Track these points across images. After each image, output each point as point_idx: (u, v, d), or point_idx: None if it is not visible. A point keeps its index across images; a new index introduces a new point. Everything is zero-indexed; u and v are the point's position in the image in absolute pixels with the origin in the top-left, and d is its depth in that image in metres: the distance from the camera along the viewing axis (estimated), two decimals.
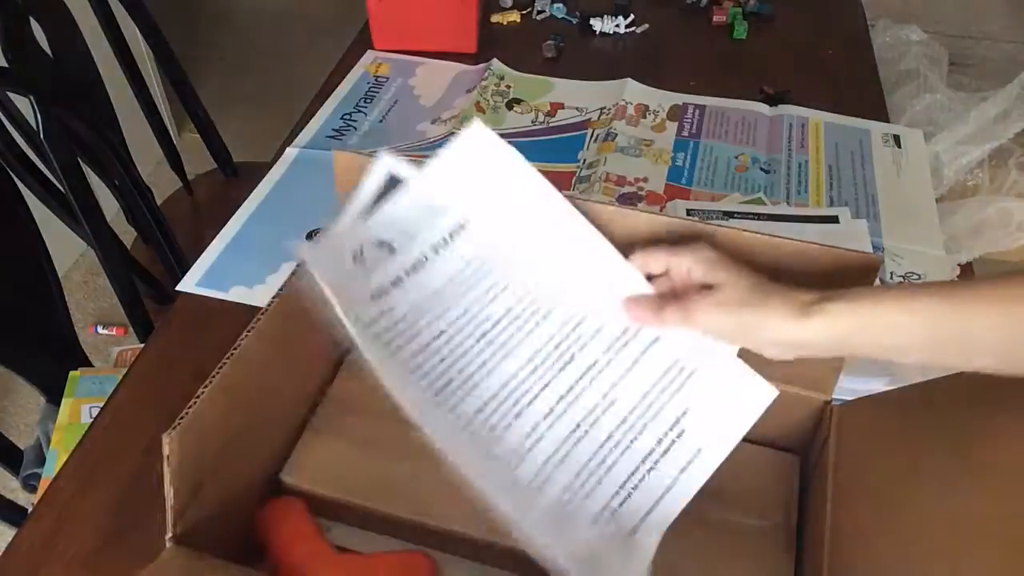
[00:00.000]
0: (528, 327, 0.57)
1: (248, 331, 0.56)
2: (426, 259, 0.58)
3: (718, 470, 0.57)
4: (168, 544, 0.52)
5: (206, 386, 0.52)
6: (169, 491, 0.50)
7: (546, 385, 0.56)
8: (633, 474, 0.54)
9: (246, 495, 0.63)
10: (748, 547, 0.62)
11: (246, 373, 0.57)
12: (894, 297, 0.49)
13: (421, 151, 1.08)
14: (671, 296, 0.57)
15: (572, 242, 0.59)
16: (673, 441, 0.55)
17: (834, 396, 0.66)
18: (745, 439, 0.69)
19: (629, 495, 0.54)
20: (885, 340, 0.49)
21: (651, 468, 0.54)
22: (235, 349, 0.55)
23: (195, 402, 0.51)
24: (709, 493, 0.58)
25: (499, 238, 0.59)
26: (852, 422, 0.63)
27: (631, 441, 0.55)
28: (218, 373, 0.53)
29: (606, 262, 0.58)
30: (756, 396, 0.57)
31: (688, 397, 0.57)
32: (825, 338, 0.50)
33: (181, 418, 0.50)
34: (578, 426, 0.55)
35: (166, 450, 0.49)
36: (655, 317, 0.56)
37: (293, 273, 0.61)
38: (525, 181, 0.59)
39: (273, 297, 0.59)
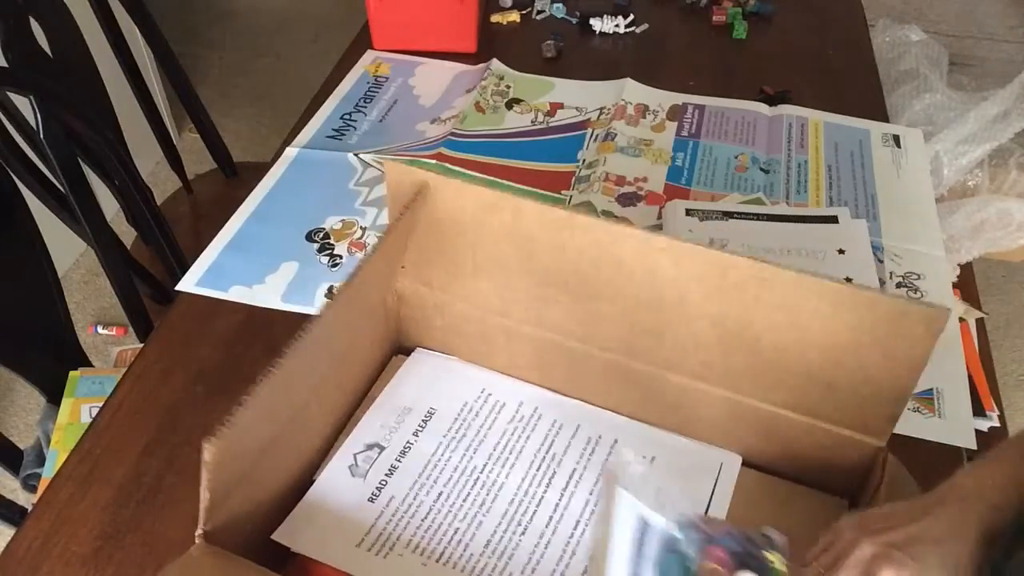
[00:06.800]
0: (511, 460, 0.68)
1: (294, 341, 0.55)
2: (410, 444, 0.69)
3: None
4: (198, 540, 0.52)
5: (248, 394, 0.52)
6: (204, 494, 0.51)
7: (540, 501, 0.65)
8: None
9: (279, 498, 0.63)
10: None
11: (288, 384, 0.57)
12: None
13: (420, 150, 1.09)
14: None
15: (514, 393, 0.73)
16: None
17: None
18: (794, 480, 0.69)
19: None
20: None
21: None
22: (280, 359, 0.54)
23: (237, 409, 0.51)
24: None
25: (461, 411, 0.72)
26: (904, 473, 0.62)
27: None
28: (261, 381, 0.53)
29: (543, 398, 0.73)
30: (721, 461, 0.68)
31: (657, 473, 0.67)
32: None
33: (223, 424, 0.50)
34: (577, 522, 0.64)
35: (205, 455, 0.49)
36: None
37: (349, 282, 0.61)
38: (463, 369, 0.75)
39: (322, 308, 0.59)
